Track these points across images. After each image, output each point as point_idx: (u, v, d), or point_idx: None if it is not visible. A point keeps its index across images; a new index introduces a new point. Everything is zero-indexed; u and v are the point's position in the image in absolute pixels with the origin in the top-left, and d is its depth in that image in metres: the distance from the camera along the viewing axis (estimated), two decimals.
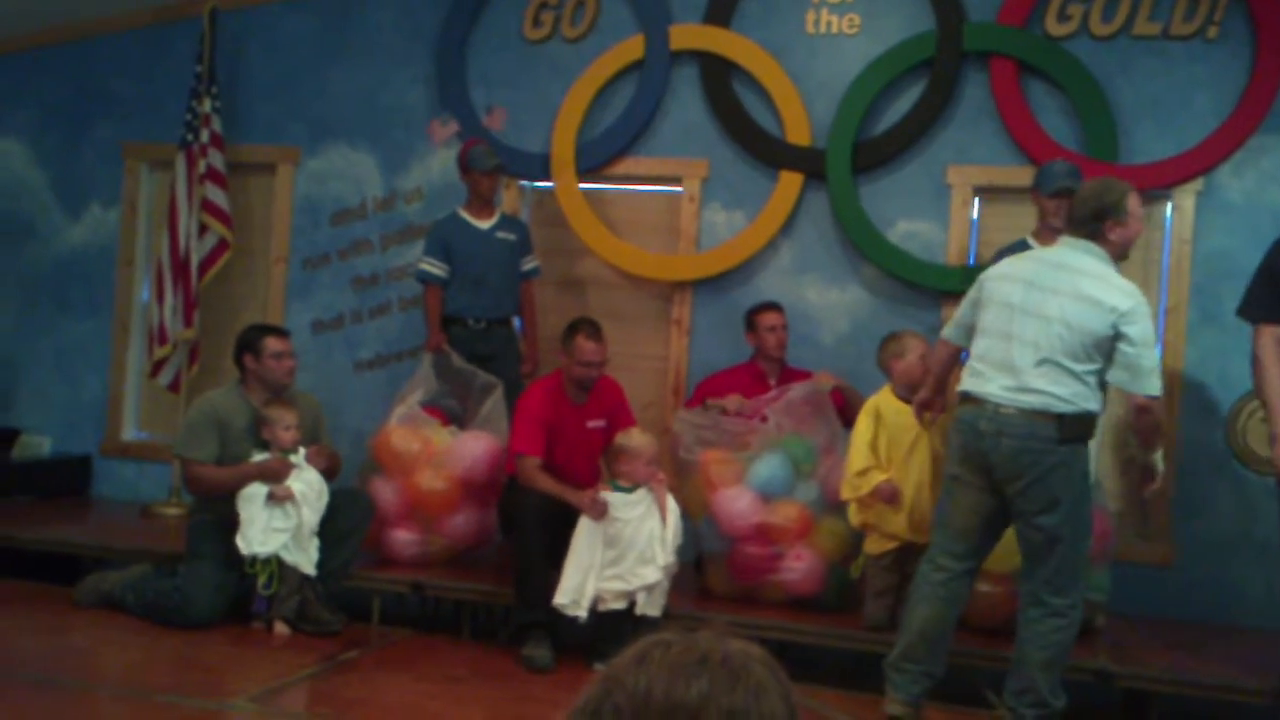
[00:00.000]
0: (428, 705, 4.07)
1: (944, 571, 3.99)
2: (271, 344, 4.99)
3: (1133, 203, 3.91)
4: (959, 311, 4.16)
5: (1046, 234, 5.06)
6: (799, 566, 4.85)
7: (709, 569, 5.12)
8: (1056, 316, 3.77)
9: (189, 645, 4.51)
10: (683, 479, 5.07)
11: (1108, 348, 3.75)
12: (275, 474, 4.78)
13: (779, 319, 5.47)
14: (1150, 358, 3.78)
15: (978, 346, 3.97)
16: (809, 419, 4.99)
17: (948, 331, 4.24)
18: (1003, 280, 3.96)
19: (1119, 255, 3.92)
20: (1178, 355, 5.48)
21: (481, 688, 4.32)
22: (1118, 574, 4.96)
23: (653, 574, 4.52)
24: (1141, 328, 3.74)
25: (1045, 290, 3.83)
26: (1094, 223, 3.88)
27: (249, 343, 5.03)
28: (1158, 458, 4.06)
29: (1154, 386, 3.79)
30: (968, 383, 3.95)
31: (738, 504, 4.89)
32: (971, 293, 4.09)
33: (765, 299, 5.65)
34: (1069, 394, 3.76)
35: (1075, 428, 3.79)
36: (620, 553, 4.53)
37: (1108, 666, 4.36)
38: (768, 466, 4.90)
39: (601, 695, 1.15)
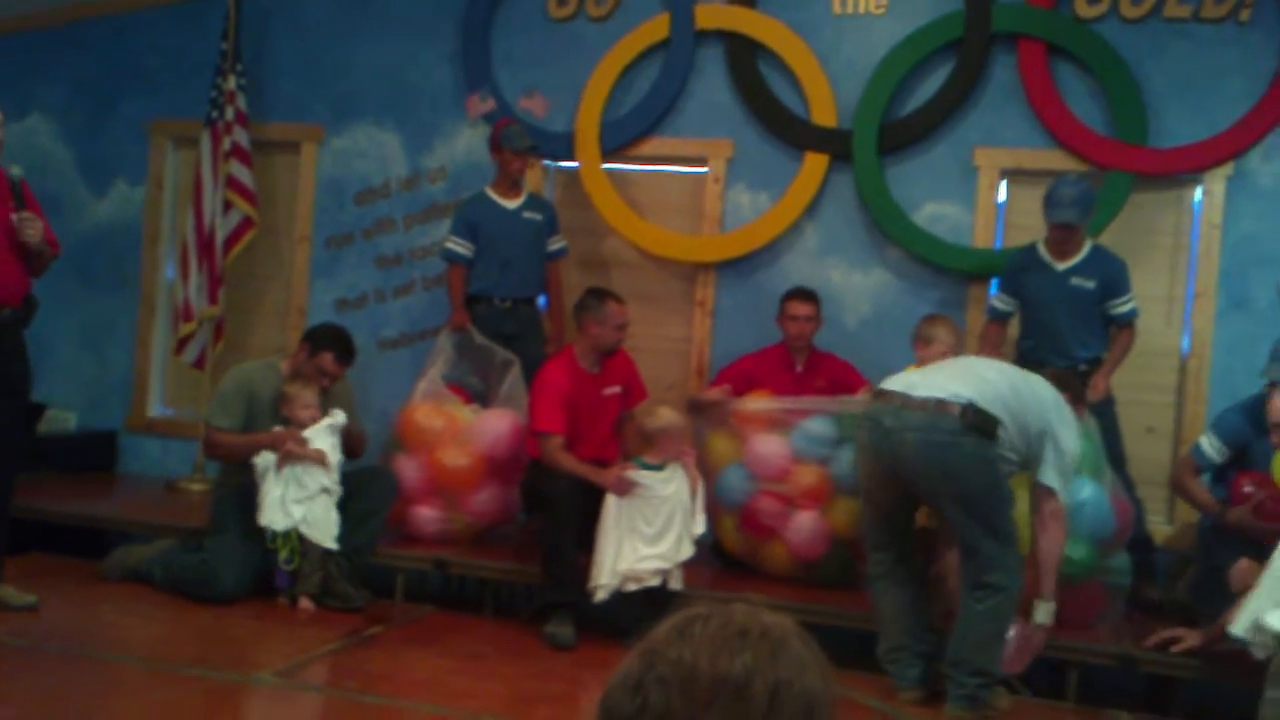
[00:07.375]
0: (451, 681, 4.09)
1: (881, 564, 4.14)
2: (326, 361, 4.96)
3: None
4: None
5: (1056, 244, 5.07)
6: (806, 528, 4.91)
7: (720, 520, 5.17)
8: None
9: (215, 619, 4.55)
10: (707, 434, 5.22)
11: None
12: (284, 444, 4.80)
13: (803, 309, 5.44)
14: None
15: None
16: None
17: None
18: None
19: None
20: (1205, 341, 5.45)
21: (504, 664, 4.35)
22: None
23: (688, 549, 4.61)
24: None
25: None
26: None
27: (316, 343, 5.00)
28: None
29: None
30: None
31: (771, 447, 5.04)
32: None
33: (794, 283, 5.64)
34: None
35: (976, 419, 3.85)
36: (660, 531, 4.58)
37: (1131, 651, 4.35)
38: (816, 425, 5.04)
39: (643, 668, 1.16)
